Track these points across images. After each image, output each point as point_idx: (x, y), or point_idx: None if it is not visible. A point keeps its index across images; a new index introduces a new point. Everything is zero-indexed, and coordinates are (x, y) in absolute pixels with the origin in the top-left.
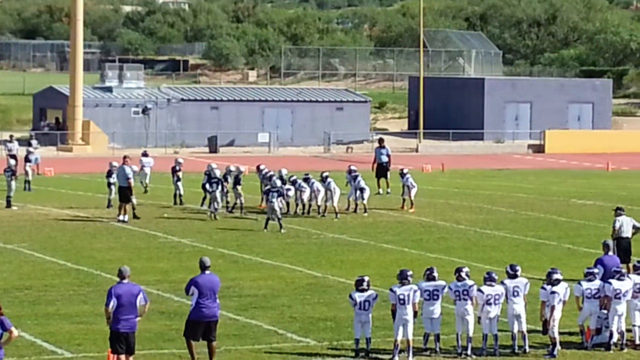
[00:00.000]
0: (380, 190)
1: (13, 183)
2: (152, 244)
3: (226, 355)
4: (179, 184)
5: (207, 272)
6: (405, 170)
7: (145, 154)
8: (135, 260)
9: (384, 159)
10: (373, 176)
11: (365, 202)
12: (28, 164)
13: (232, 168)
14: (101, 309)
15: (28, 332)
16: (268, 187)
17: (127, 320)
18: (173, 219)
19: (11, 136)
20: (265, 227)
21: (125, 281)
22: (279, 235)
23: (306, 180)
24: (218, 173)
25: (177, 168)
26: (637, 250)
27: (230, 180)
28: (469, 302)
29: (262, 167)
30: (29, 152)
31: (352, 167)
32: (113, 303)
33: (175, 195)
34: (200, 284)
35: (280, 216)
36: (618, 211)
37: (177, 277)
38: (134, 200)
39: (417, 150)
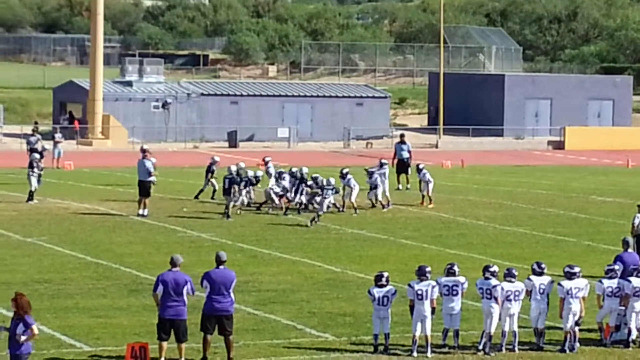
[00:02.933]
0: (400, 186)
1: (33, 179)
2: (172, 239)
3: (244, 350)
4: (214, 180)
5: (222, 267)
6: (421, 166)
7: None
8: (155, 254)
9: (405, 154)
10: (393, 171)
11: (372, 198)
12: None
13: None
14: (120, 302)
15: (47, 326)
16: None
17: (171, 307)
18: (191, 214)
19: (34, 130)
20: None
21: (174, 269)
22: (298, 230)
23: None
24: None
25: (213, 168)
26: None
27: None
28: (494, 301)
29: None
30: (55, 144)
31: (369, 169)
32: (160, 289)
33: (201, 190)
34: (212, 278)
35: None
36: None
37: (196, 272)
38: (239, 201)
39: (436, 146)
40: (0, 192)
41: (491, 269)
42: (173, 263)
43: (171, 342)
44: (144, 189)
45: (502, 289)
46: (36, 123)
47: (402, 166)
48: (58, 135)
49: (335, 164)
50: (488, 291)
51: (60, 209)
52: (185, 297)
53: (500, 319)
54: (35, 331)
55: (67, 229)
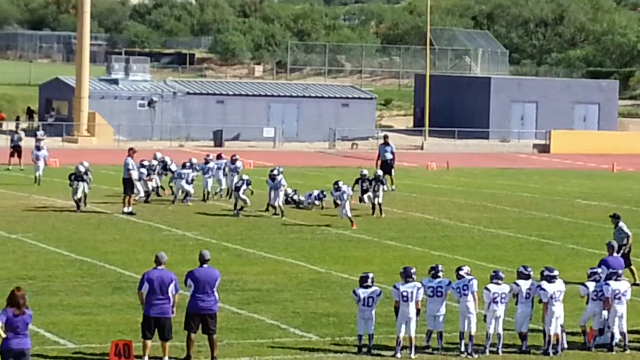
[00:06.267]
0: (391, 188)
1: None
2: (156, 237)
3: (228, 349)
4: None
5: (206, 265)
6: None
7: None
8: (139, 252)
9: (388, 156)
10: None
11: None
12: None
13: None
14: (104, 300)
15: (31, 323)
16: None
17: (157, 305)
18: (175, 213)
19: (17, 126)
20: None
21: (160, 267)
22: (283, 230)
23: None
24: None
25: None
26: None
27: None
28: (470, 297)
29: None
30: (38, 141)
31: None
32: (145, 287)
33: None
34: (196, 276)
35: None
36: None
37: (181, 270)
38: (247, 200)
39: (422, 148)
40: None
41: (464, 269)
42: (158, 261)
43: (154, 341)
44: (127, 186)
45: (489, 289)
46: (17, 119)
47: (385, 167)
48: (40, 133)
49: (321, 164)
50: (465, 287)
51: (45, 206)
52: (170, 295)
53: (485, 321)
54: None
55: (51, 225)
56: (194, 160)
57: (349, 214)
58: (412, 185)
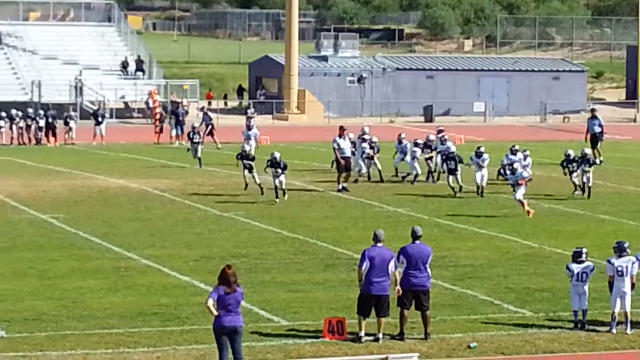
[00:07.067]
0: (597, 161)
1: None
2: (368, 213)
3: (442, 325)
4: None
5: (418, 241)
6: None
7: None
8: (351, 229)
9: (597, 129)
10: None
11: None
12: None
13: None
14: (317, 277)
15: (245, 300)
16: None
17: (378, 283)
18: (387, 188)
19: (202, 107)
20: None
21: (379, 244)
22: (495, 205)
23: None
24: None
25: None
26: None
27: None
28: None
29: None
30: (248, 119)
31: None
32: (365, 265)
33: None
34: (409, 253)
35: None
36: None
37: (393, 247)
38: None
39: (635, 121)
40: (200, 167)
41: None
42: (377, 238)
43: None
44: (339, 164)
45: None
46: (225, 97)
47: (594, 141)
48: (250, 111)
49: (532, 138)
50: None
51: (255, 184)
52: (389, 273)
53: None
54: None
55: (263, 203)
56: (431, 137)
57: (522, 199)
58: (625, 159)
